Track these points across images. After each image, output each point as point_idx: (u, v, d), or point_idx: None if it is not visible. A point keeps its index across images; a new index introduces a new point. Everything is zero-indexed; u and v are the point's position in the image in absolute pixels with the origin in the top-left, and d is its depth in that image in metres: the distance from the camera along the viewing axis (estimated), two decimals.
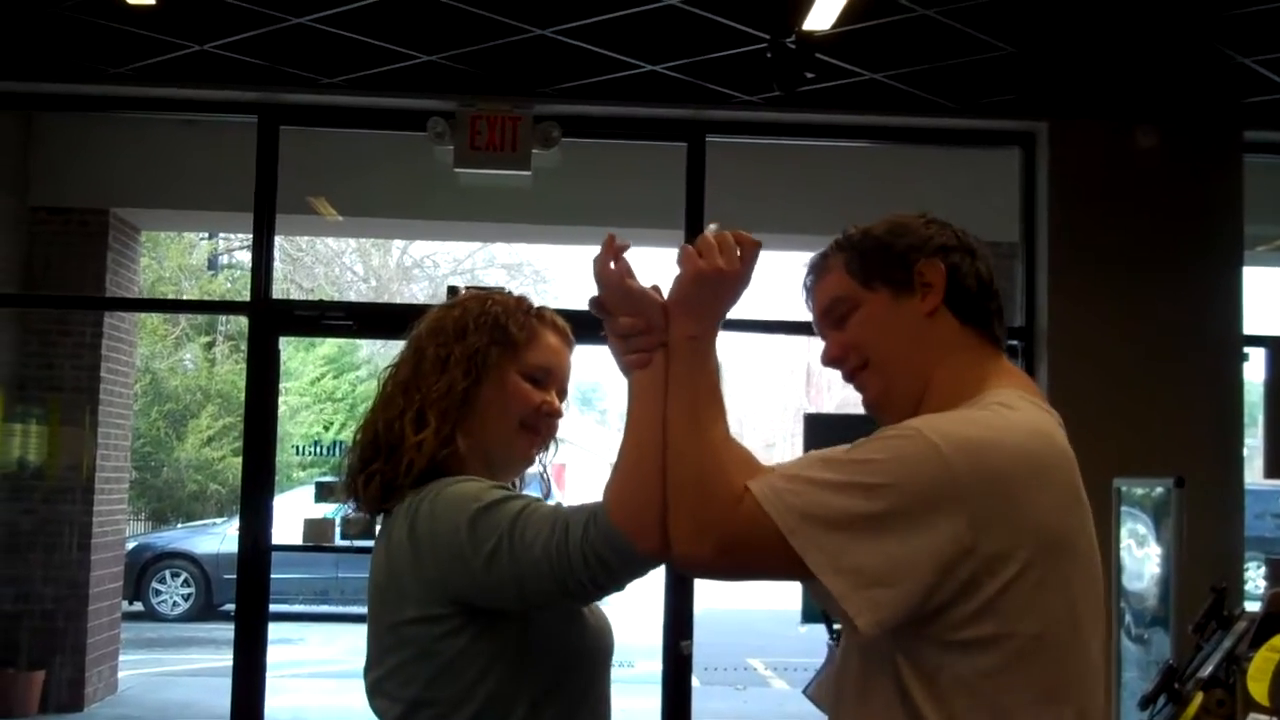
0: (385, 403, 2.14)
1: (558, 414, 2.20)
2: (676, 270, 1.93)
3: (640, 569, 1.89)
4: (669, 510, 1.83)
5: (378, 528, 2.16)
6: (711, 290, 1.91)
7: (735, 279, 1.91)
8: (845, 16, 5.57)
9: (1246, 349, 6.82)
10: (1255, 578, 11.57)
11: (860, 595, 1.74)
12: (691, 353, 1.90)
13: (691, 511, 1.82)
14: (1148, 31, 6.02)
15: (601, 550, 1.83)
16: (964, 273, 2.01)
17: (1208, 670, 3.21)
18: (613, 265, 1.92)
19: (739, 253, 1.90)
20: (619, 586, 1.90)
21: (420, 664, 1.98)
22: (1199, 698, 3.14)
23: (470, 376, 2.11)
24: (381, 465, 2.08)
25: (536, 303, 2.27)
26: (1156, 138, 6.65)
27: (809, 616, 5.77)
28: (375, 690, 2.07)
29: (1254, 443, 7.43)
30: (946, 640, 1.79)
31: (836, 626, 4.85)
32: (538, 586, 1.88)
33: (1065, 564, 1.84)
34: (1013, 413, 1.89)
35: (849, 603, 1.74)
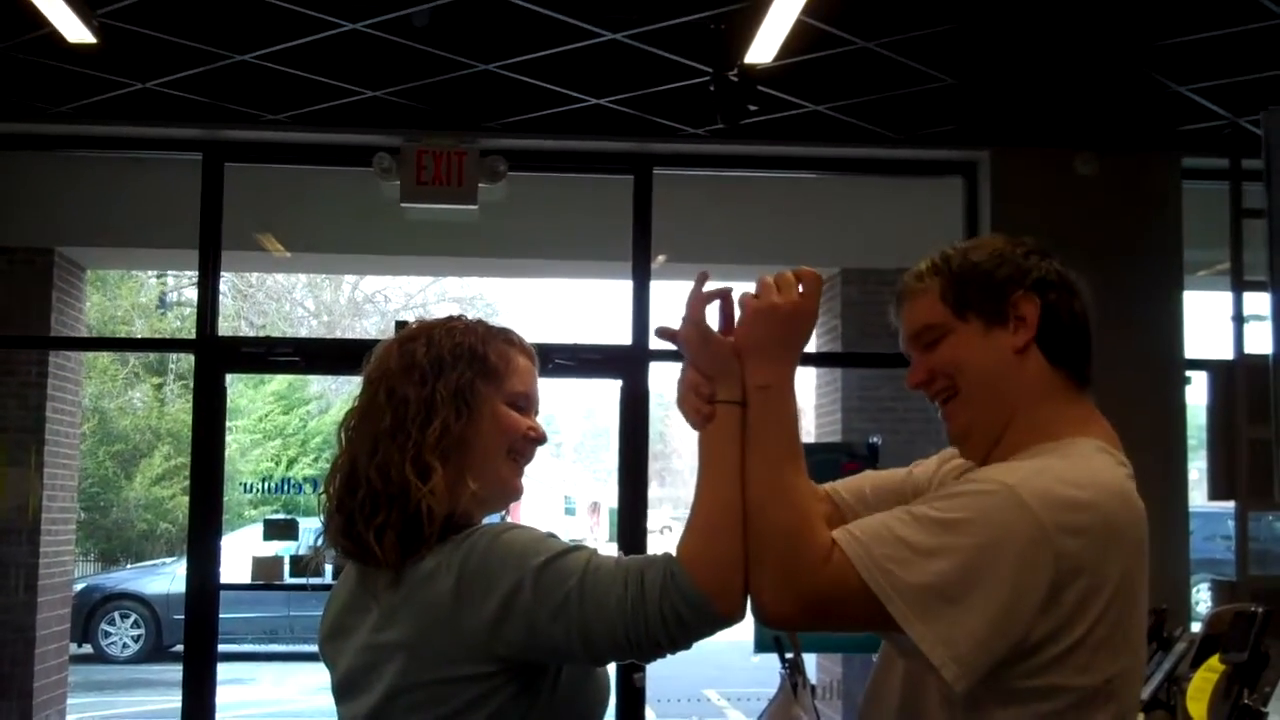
0: (367, 452, 2.02)
1: (543, 438, 2.14)
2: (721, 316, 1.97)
3: (715, 628, 1.86)
4: (752, 565, 1.83)
5: (327, 568, 2.10)
6: (777, 329, 1.90)
7: (799, 314, 1.91)
8: (786, 49, 5.61)
9: (1189, 373, 6.90)
10: (1205, 599, 11.68)
11: (958, 662, 1.75)
12: (766, 402, 1.90)
13: (778, 568, 1.81)
14: (1085, 61, 6.09)
15: (681, 608, 1.81)
16: (1060, 311, 2.00)
17: (1148, 691, 3.24)
18: (704, 311, 1.94)
19: (800, 288, 1.91)
20: (688, 645, 1.87)
21: None
22: (1140, 719, 3.17)
23: (462, 414, 2.02)
24: (389, 517, 1.96)
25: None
26: (1096, 165, 6.74)
27: (761, 646, 5.77)
28: None
29: (1203, 465, 7.51)
30: (1012, 687, 1.81)
31: (789, 655, 4.86)
32: (606, 641, 1.85)
33: (1128, 619, 1.86)
34: (1094, 470, 1.89)
35: (947, 670, 1.75)
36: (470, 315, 2.23)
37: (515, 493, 2.13)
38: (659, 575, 1.83)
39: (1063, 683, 1.80)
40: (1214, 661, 2.99)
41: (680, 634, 1.83)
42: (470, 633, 1.89)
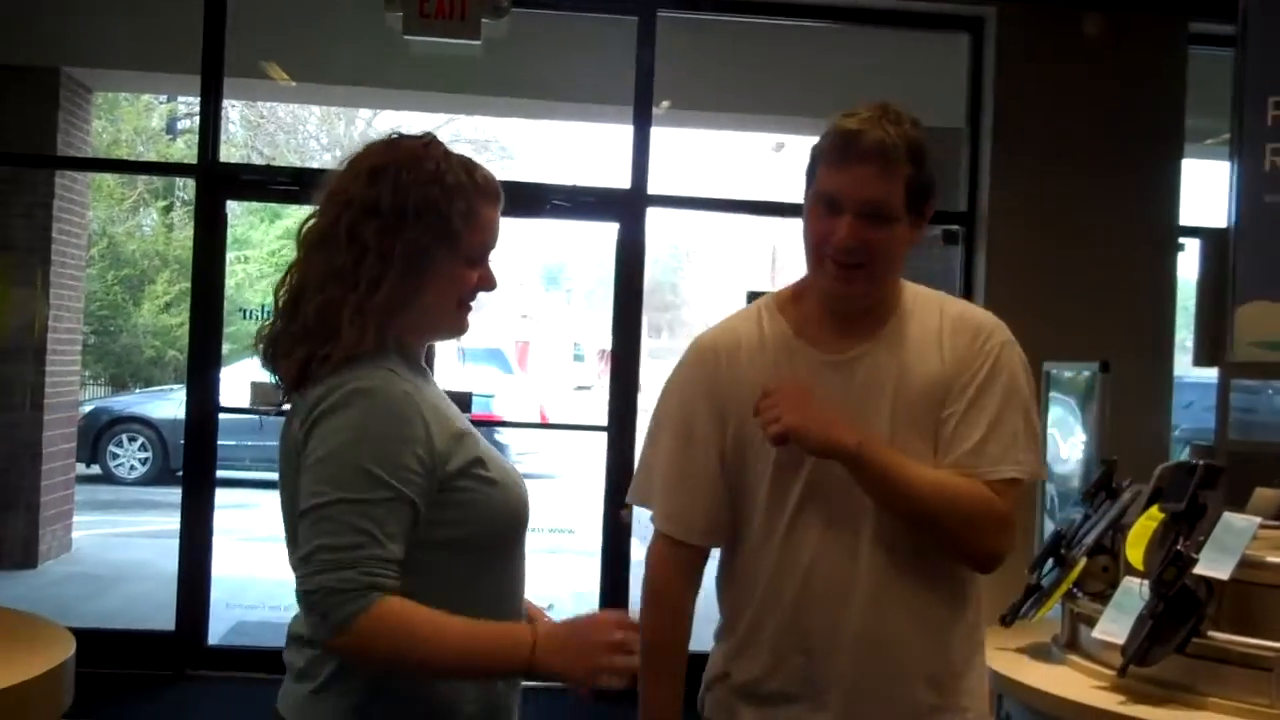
0: (316, 284, 2.06)
1: (493, 286, 2.17)
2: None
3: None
4: (975, 540, 2.23)
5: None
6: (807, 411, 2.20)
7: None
8: None
9: (1182, 239, 6.92)
10: None
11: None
12: (872, 455, 2.18)
13: (993, 533, 2.23)
14: None
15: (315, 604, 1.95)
16: None
17: (1092, 537, 3.36)
18: None
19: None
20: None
21: None
22: (1083, 562, 3.30)
23: (412, 277, 2.05)
24: (312, 348, 2.04)
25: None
26: (1103, 26, 6.69)
27: None
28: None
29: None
30: None
31: None
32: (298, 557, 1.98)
33: None
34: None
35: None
36: (485, 157, 2.22)
37: (461, 332, 2.20)
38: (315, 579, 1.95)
39: None
40: (1154, 510, 3.11)
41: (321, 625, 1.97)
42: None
